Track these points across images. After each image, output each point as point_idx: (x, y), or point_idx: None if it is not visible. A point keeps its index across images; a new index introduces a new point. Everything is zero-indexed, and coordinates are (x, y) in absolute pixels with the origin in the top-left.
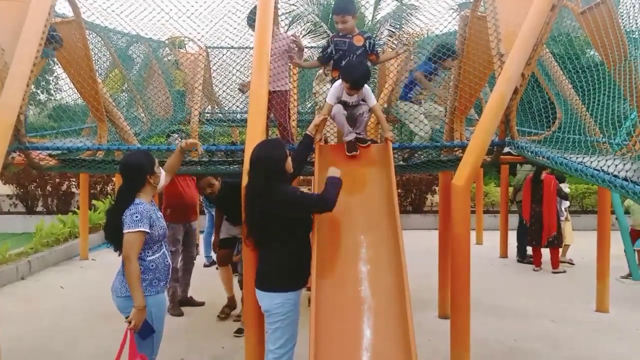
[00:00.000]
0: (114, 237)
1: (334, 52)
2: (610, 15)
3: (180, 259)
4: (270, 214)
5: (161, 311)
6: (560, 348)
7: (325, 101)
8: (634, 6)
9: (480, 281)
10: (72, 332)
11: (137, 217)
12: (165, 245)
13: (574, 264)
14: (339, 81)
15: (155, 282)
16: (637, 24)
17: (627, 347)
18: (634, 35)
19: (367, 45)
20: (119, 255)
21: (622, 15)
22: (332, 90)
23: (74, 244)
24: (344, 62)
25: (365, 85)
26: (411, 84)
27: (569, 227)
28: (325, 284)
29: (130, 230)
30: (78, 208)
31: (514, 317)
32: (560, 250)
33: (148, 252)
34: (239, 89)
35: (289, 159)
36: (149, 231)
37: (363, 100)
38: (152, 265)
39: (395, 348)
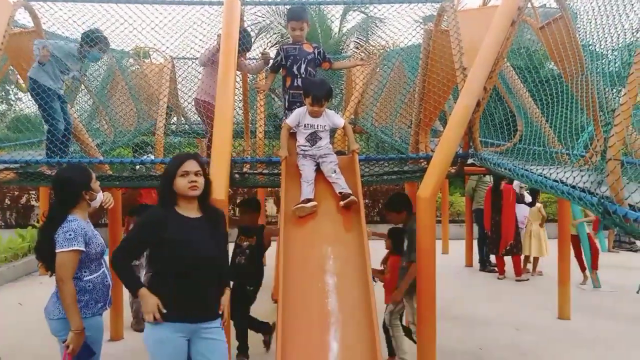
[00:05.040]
0: (46, 256)
1: (284, 59)
2: (568, 30)
3: (144, 272)
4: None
5: (98, 336)
6: (525, 356)
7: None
8: (589, 22)
9: (446, 290)
10: (31, 351)
11: (70, 235)
12: (105, 264)
13: (542, 275)
14: (303, 107)
15: (91, 304)
16: (593, 38)
17: (588, 354)
18: (590, 49)
19: (317, 53)
20: (50, 276)
21: (579, 30)
22: (293, 114)
23: (33, 259)
24: (295, 67)
25: (330, 110)
26: None
27: (543, 240)
28: (291, 297)
29: (63, 250)
30: (38, 222)
31: (479, 326)
32: (522, 257)
33: (85, 272)
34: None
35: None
36: (84, 249)
37: (328, 129)
38: (89, 286)
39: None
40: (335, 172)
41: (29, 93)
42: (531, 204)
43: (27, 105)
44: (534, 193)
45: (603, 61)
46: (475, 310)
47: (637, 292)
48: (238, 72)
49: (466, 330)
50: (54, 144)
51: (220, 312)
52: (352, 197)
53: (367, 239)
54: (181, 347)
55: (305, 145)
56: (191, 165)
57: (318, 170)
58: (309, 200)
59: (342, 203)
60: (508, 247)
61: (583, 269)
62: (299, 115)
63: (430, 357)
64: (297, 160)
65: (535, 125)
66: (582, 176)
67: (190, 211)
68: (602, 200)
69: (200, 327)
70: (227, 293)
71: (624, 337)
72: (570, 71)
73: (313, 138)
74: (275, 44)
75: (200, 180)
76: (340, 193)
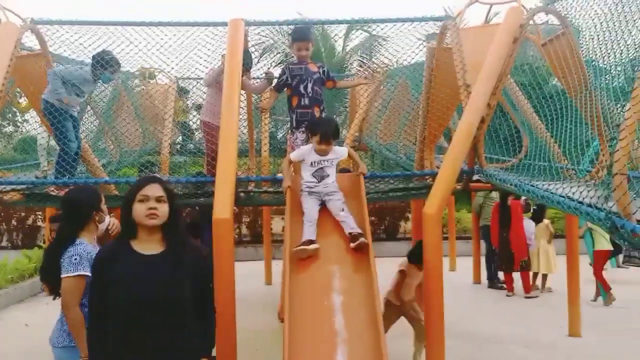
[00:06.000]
0: (50, 279)
1: (289, 79)
2: (571, 46)
3: None
4: None
5: None
6: None
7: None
8: (592, 38)
9: (454, 308)
10: None
11: (76, 259)
12: None
13: (551, 291)
14: (308, 145)
15: None
16: (596, 54)
17: None
18: (593, 64)
19: (322, 72)
20: (54, 299)
21: (582, 47)
22: (298, 151)
23: (39, 280)
24: (302, 87)
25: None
26: None
27: (551, 257)
28: (298, 316)
29: (69, 275)
30: (44, 242)
31: (488, 344)
32: (531, 274)
33: None
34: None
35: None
36: (90, 274)
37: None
38: None
39: None
40: (343, 210)
41: (42, 114)
42: (538, 220)
43: (34, 127)
44: (541, 209)
45: (607, 77)
46: (484, 328)
47: None
48: (242, 92)
49: (475, 348)
50: (62, 165)
51: None
52: (362, 239)
53: (373, 258)
54: None
55: (311, 182)
56: (152, 190)
57: (323, 206)
58: (310, 242)
59: (352, 245)
60: (521, 263)
61: (606, 288)
62: (304, 153)
63: None
64: (300, 197)
65: (540, 140)
66: (588, 191)
67: (150, 245)
68: (610, 215)
69: None
70: None
71: (636, 354)
72: (574, 87)
73: (320, 174)
74: (279, 63)
75: (162, 207)
76: (350, 234)
